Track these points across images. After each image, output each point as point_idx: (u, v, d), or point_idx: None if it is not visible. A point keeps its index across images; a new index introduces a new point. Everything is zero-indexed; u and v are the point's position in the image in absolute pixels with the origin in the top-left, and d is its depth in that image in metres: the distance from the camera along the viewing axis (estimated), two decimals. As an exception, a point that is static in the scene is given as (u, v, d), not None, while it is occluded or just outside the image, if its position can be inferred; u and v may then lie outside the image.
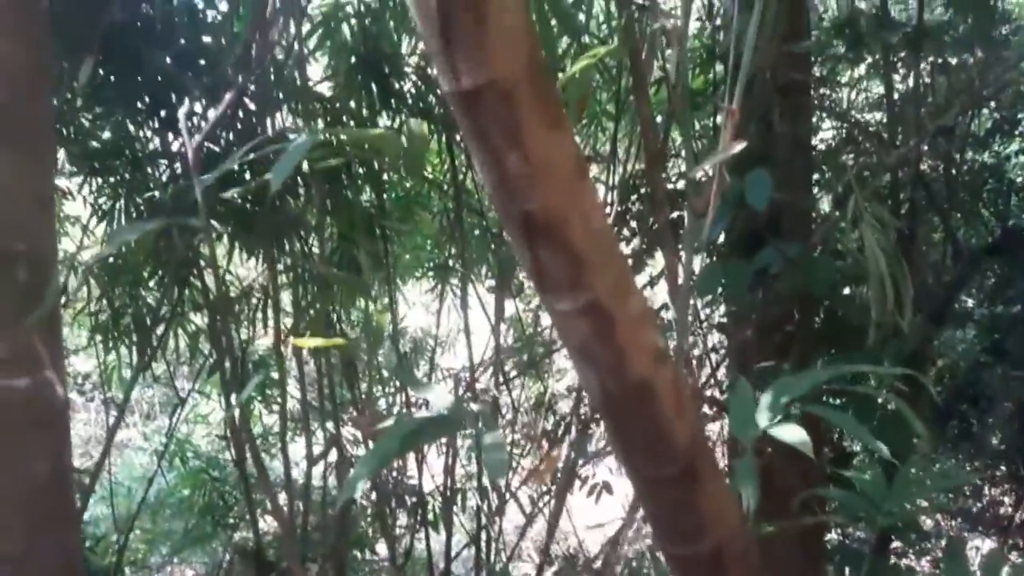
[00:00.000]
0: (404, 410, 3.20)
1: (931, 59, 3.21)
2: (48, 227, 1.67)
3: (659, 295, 3.84)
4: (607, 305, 0.61)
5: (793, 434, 1.11)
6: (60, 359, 1.66)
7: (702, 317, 3.08)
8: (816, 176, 3.12)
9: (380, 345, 3.42)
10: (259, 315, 2.93)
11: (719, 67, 3.27)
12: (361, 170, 3.04)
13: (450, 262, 3.74)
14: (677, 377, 0.78)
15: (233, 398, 2.77)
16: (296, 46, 2.48)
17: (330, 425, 2.99)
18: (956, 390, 3.48)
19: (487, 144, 0.57)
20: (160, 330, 3.05)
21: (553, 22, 1.77)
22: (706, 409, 2.78)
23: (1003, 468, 4.19)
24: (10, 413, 1.51)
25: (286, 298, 3.03)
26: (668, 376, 0.74)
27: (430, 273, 3.91)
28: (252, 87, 2.70)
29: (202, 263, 2.79)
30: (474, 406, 1.15)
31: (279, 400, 2.90)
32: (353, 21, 2.86)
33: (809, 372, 1.49)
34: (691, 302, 2.91)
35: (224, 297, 2.57)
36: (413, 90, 3.11)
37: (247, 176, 2.67)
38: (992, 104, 3.17)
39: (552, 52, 1.96)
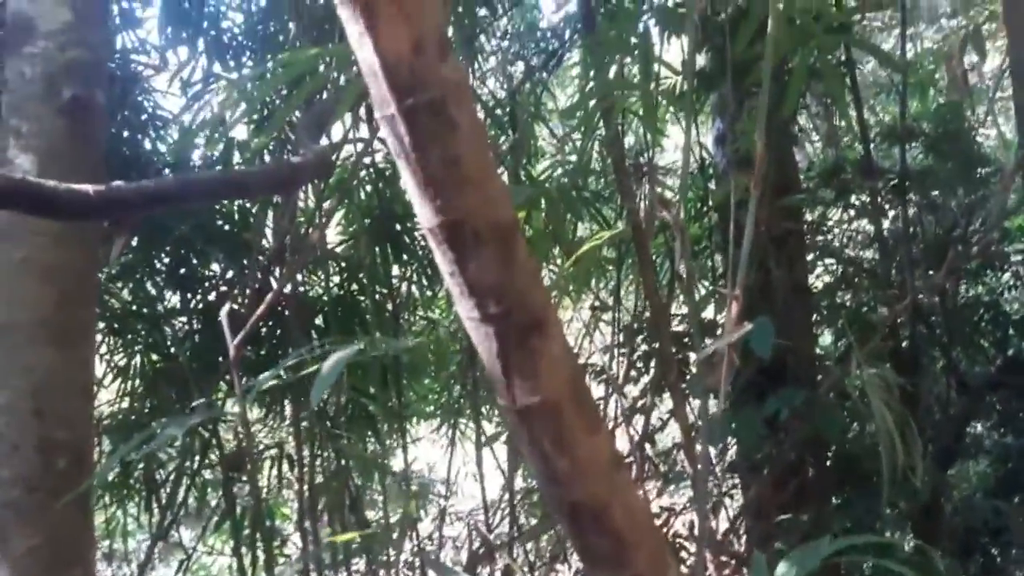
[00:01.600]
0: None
1: (917, 198, 3.41)
2: (87, 414, 1.76)
3: (668, 435, 3.88)
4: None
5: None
6: (92, 543, 1.71)
7: (714, 462, 3.13)
8: (815, 316, 3.25)
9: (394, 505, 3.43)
10: (275, 472, 2.98)
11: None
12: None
13: (462, 400, 3.81)
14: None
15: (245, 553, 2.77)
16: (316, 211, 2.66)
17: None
18: (976, 523, 3.46)
19: (538, 450, 0.67)
20: (170, 486, 3.08)
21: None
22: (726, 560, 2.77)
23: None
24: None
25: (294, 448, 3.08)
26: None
27: (438, 413, 3.96)
28: (271, 247, 2.88)
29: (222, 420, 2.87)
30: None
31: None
32: (368, 186, 3.08)
33: (822, 543, 1.54)
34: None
35: (247, 454, 2.63)
36: (422, 243, 3.30)
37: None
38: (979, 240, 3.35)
39: (563, 234, 2.13)
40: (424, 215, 0.63)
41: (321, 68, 1.63)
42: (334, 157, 2.22)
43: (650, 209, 2.15)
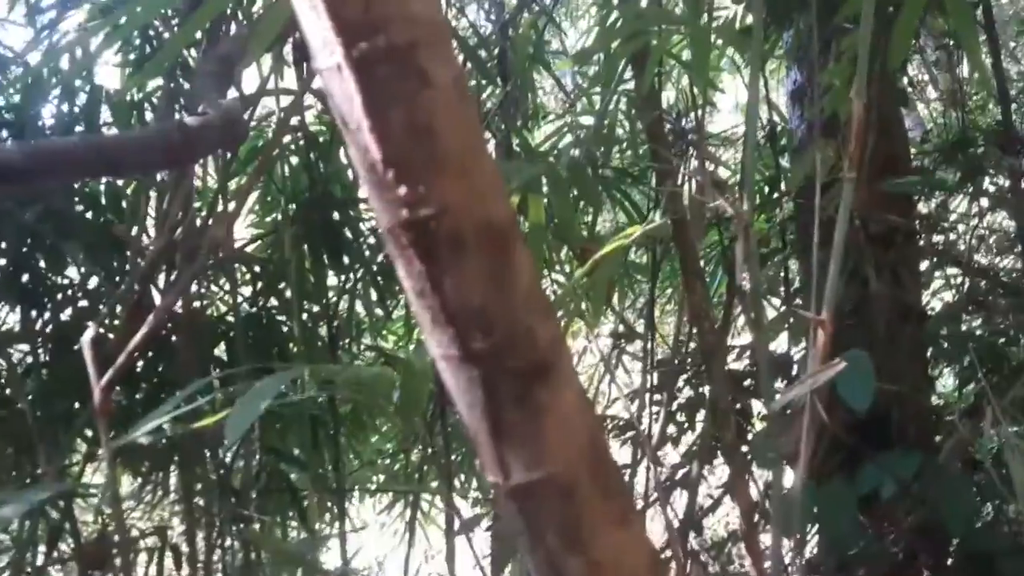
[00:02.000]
0: None
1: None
2: None
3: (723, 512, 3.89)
4: None
5: None
6: None
7: (788, 558, 3.11)
8: (932, 350, 3.28)
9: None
10: (153, 569, 2.96)
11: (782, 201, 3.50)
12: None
13: (425, 468, 3.80)
14: None
15: None
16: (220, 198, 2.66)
17: None
18: None
19: (541, 546, 0.67)
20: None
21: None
22: None
23: None
24: None
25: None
26: None
27: (392, 485, 3.96)
28: (154, 246, 2.88)
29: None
30: None
31: None
32: (294, 159, 3.09)
33: None
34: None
35: (114, 544, 2.62)
36: (372, 241, 3.31)
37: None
38: None
39: (574, 228, 2.14)
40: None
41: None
42: (247, 116, 2.23)
43: (699, 195, 2.17)
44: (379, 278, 3.31)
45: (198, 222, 2.75)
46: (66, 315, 3.03)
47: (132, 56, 3.22)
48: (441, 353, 0.64)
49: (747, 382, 2.98)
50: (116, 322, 2.83)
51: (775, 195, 3.43)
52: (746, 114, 2.41)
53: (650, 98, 2.32)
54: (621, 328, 3.29)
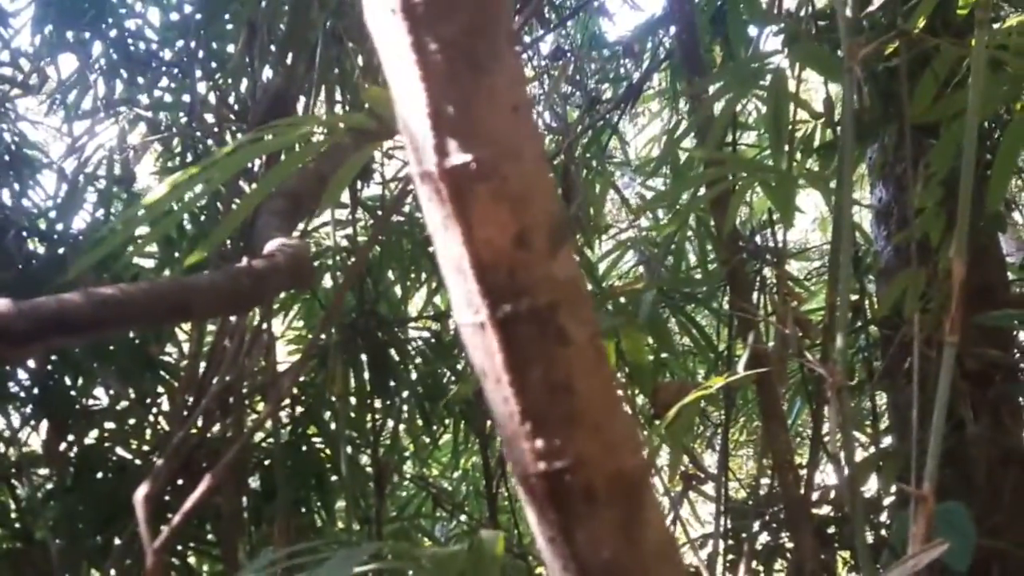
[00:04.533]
0: None
1: None
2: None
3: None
4: None
5: None
6: None
7: None
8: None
9: None
10: None
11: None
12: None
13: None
14: None
15: None
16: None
17: None
18: None
19: None
20: None
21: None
22: None
23: None
24: None
25: None
26: None
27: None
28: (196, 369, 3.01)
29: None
30: None
31: None
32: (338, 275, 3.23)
33: None
34: None
35: None
36: (418, 361, 3.42)
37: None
38: None
39: (647, 375, 2.23)
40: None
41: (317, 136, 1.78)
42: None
43: (781, 338, 2.26)
44: (425, 403, 3.40)
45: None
46: (90, 439, 3.15)
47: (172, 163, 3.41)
48: (572, 603, 0.74)
49: (833, 531, 3.01)
50: (148, 451, 2.94)
51: (858, 322, 3.50)
52: (832, 242, 2.50)
53: (731, 243, 2.43)
54: (690, 467, 3.33)
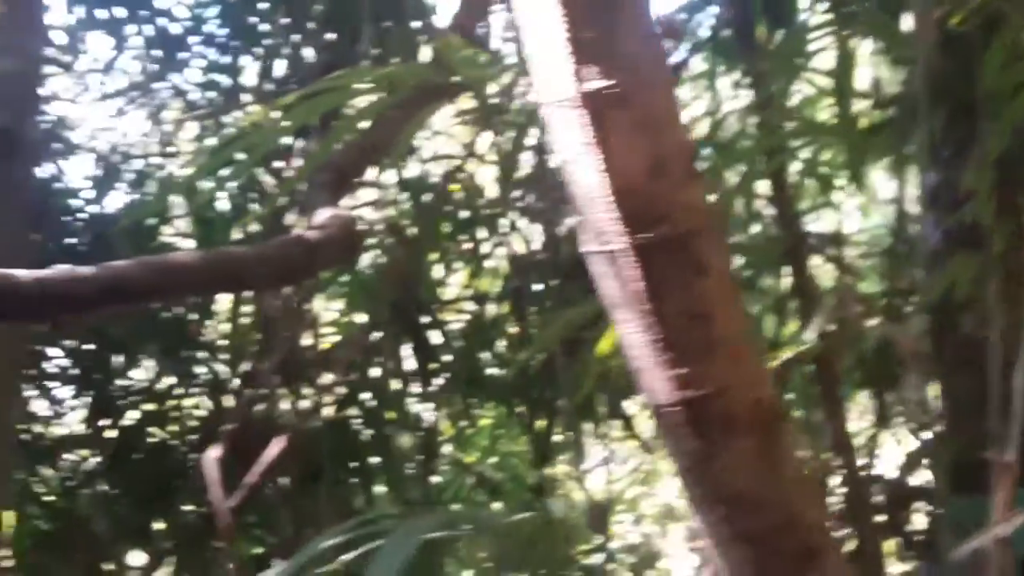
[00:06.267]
0: None
1: None
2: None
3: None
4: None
5: None
6: None
7: None
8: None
9: None
10: None
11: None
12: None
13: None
14: None
15: None
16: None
17: None
18: None
19: None
20: None
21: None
22: None
23: None
24: None
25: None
26: None
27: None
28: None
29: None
30: None
31: None
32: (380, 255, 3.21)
33: None
34: None
35: None
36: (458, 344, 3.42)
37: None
38: None
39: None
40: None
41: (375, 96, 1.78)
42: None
43: (843, 312, 2.26)
44: (468, 388, 3.40)
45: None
46: (130, 419, 3.17)
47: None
48: (712, 531, 0.75)
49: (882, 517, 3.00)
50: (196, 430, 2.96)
51: (907, 307, 3.47)
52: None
53: (789, 219, 2.42)
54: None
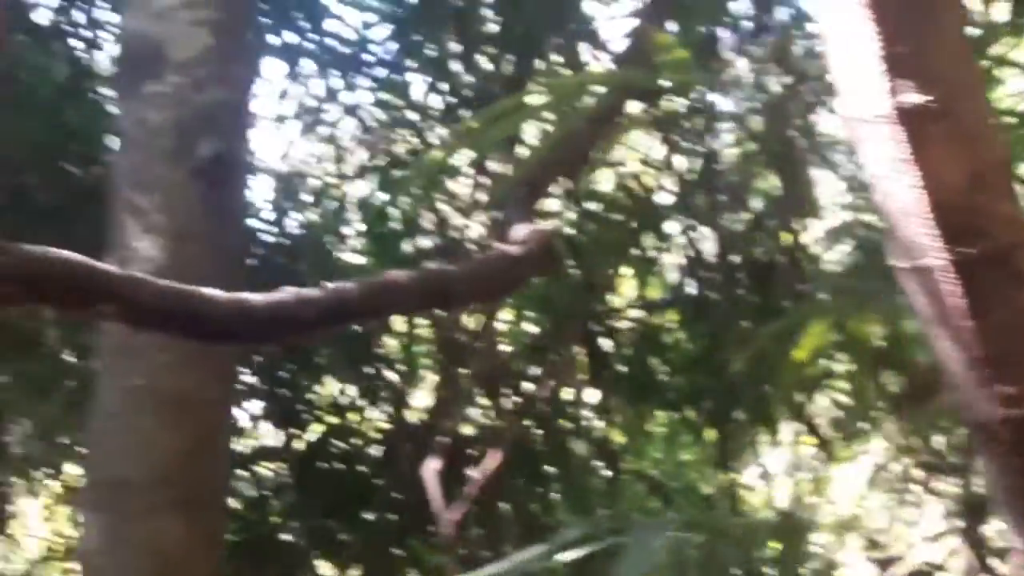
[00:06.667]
0: None
1: None
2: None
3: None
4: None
5: None
6: None
7: None
8: None
9: None
10: None
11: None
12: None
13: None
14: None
15: None
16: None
17: None
18: None
19: None
20: None
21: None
22: None
23: None
24: None
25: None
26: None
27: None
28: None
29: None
30: None
31: None
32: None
33: None
34: None
35: None
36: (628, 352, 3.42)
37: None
38: None
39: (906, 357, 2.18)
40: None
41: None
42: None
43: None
44: (639, 393, 3.40)
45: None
46: (315, 434, 3.27)
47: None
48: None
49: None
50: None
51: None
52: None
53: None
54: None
